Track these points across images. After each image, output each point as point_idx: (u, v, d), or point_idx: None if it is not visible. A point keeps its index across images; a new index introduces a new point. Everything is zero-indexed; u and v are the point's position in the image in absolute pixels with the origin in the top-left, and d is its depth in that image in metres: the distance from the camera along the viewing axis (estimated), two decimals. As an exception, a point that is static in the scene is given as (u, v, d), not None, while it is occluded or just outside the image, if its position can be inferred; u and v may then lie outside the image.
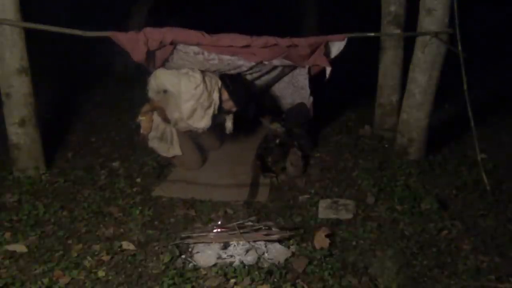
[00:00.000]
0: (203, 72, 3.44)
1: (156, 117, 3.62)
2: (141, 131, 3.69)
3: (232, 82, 3.53)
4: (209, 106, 3.43)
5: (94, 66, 5.91)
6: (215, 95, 3.44)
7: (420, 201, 3.03)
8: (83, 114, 4.75)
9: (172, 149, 3.62)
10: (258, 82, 4.06)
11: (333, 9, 6.91)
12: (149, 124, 3.63)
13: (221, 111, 3.56)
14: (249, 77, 3.87)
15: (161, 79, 3.44)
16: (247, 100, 3.67)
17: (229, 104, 3.55)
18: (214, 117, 3.49)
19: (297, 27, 6.61)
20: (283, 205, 3.12)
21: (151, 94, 3.58)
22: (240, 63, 3.48)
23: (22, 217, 2.88)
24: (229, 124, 3.70)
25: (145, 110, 3.63)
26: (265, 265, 2.44)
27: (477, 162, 3.25)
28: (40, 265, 2.45)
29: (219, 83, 3.47)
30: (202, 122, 3.46)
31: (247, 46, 3.27)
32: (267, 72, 3.86)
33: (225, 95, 3.51)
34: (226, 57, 3.38)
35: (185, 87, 3.34)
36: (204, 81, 3.37)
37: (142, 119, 3.64)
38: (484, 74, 5.56)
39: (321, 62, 3.45)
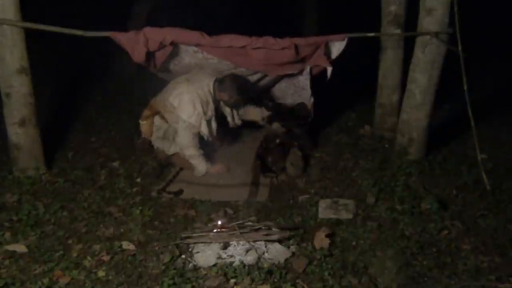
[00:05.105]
0: (190, 80, 3.54)
1: (158, 120, 3.67)
2: (142, 135, 3.73)
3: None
4: (212, 113, 3.61)
5: (94, 66, 5.91)
6: (210, 98, 3.56)
7: (420, 201, 3.03)
8: (83, 114, 4.75)
9: (174, 147, 3.63)
10: (259, 82, 4.07)
11: (333, 9, 6.90)
12: (150, 128, 3.70)
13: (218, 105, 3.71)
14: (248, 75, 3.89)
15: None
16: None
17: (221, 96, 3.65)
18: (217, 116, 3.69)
19: (297, 27, 6.60)
20: (283, 205, 3.12)
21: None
22: None
23: (22, 217, 2.88)
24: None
25: (146, 114, 3.69)
26: (265, 265, 2.44)
27: (477, 162, 3.25)
28: (40, 265, 2.45)
29: (211, 83, 3.55)
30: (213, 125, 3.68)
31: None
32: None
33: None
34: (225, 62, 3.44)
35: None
36: (199, 96, 3.47)
37: (143, 123, 3.69)
38: (484, 74, 5.56)
39: (321, 62, 3.45)
